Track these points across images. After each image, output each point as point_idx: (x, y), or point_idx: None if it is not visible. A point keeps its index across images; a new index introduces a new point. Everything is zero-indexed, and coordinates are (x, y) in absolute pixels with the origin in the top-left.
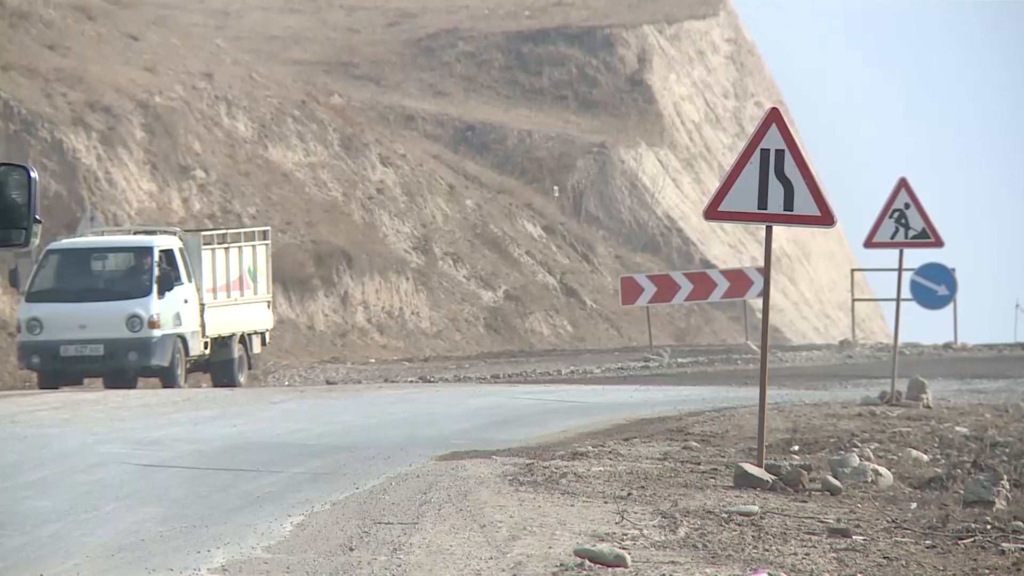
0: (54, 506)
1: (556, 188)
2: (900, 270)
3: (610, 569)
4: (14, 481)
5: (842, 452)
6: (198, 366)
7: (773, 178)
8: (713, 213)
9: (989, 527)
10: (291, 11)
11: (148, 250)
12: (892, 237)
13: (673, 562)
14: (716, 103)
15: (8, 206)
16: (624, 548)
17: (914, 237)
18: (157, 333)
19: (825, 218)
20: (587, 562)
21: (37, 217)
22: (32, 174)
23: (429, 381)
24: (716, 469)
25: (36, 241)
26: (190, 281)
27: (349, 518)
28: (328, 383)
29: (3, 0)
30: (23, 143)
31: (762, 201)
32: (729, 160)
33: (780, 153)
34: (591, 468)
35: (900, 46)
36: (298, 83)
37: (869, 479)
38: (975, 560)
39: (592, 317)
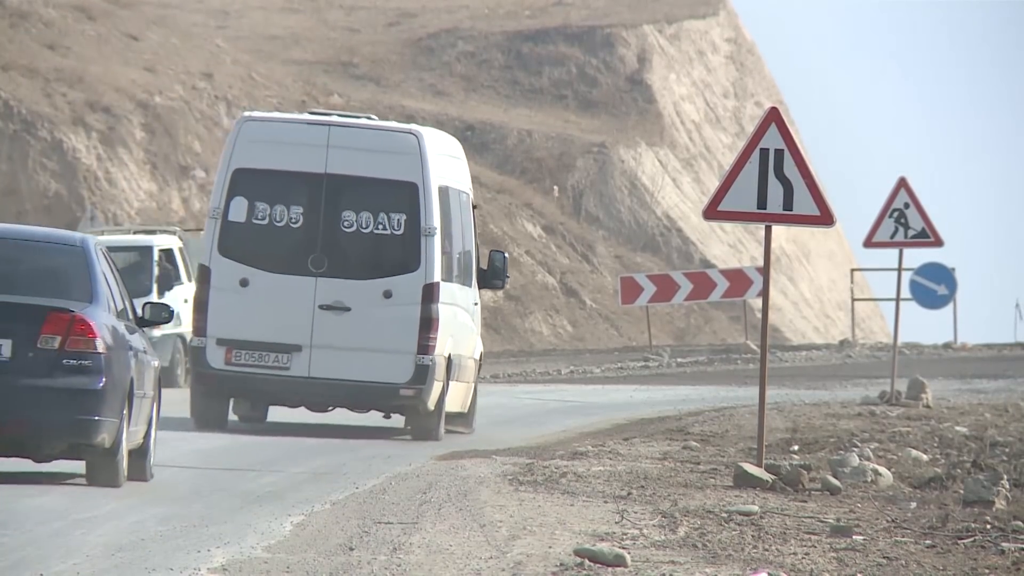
0: (54, 506)
1: (556, 188)
2: (900, 270)
3: (610, 569)
4: (15, 480)
5: (842, 452)
6: None
7: (772, 178)
8: (712, 213)
9: (989, 527)
10: (291, 11)
11: (148, 250)
12: (892, 237)
13: (673, 562)
14: (716, 103)
15: (497, 269)
16: (624, 548)
17: (914, 237)
18: (157, 333)
19: (824, 218)
20: (587, 562)
21: (507, 275)
22: (506, 255)
23: None
24: (716, 469)
25: (507, 285)
26: (190, 281)
27: (349, 518)
28: None
29: (3, 0)
30: (23, 143)
31: (761, 201)
32: (729, 160)
33: (780, 153)
34: (591, 468)
35: (900, 46)
36: (298, 83)
37: (869, 479)
38: (975, 560)
39: (592, 317)
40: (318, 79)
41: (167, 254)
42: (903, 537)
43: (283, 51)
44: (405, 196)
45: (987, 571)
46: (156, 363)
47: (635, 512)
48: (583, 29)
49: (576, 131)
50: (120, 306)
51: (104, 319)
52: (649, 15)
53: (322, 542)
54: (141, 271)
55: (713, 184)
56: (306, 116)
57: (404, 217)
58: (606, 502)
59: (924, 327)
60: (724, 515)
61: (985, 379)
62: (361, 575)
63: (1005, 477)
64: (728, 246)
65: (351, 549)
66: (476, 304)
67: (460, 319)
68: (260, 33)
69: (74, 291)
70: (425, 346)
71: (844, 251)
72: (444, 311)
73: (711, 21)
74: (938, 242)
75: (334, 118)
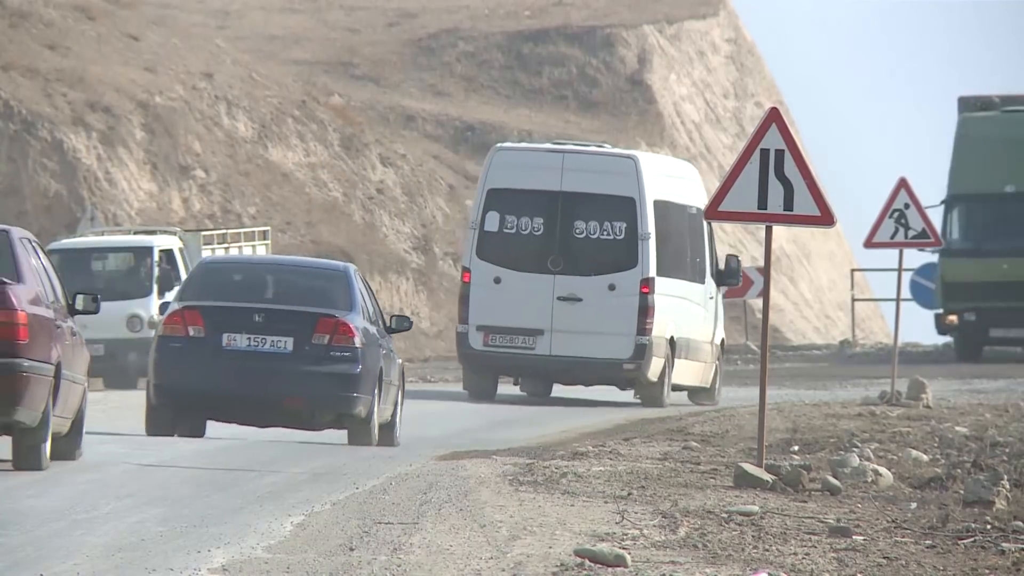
0: (54, 506)
1: None
2: (900, 270)
3: (610, 569)
4: (14, 480)
5: (842, 452)
6: None
7: (773, 178)
8: (713, 213)
9: (989, 527)
10: (291, 11)
11: (148, 250)
12: (892, 237)
13: (673, 562)
14: (716, 103)
15: (732, 270)
16: (624, 548)
17: (914, 237)
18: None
19: (825, 218)
20: (587, 562)
21: (740, 275)
22: (739, 258)
23: (429, 381)
24: (716, 469)
25: (740, 283)
26: None
27: (349, 518)
28: None
29: (3, 0)
30: (23, 143)
31: (762, 201)
32: (729, 160)
33: (780, 153)
34: (591, 468)
35: (900, 46)
36: (298, 83)
37: (869, 479)
38: (975, 560)
39: None
40: (318, 79)
41: (167, 255)
42: (903, 537)
43: (283, 51)
44: (625, 208)
45: (987, 571)
46: (400, 360)
47: (635, 512)
48: (583, 29)
49: (576, 131)
50: (374, 316)
51: (360, 323)
52: (649, 15)
53: (322, 542)
54: (141, 272)
55: (713, 184)
56: (546, 145)
57: (624, 225)
58: (606, 502)
59: (924, 327)
60: (724, 515)
61: (985, 379)
62: (361, 575)
63: (1005, 477)
64: (728, 246)
65: (351, 549)
66: (711, 298)
67: (687, 308)
68: (260, 33)
69: (338, 303)
70: (643, 329)
71: (844, 251)
72: (661, 300)
73: (711, 21)
74: (938, 242)
75: (568, 146)
